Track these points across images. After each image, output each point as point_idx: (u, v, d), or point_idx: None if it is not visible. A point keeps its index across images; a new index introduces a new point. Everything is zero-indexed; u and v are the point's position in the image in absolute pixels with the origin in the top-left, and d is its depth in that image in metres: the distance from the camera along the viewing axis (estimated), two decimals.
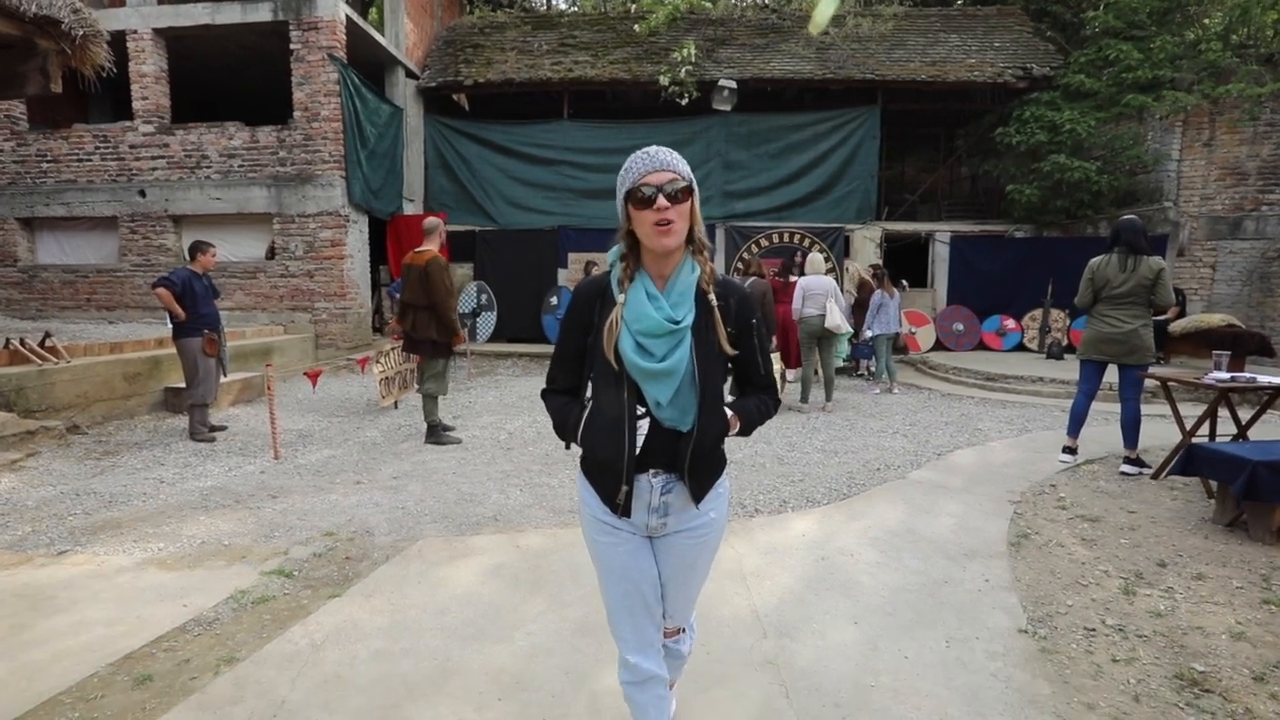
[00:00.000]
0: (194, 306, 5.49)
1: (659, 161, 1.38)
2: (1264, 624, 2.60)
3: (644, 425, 1.44)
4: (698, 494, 1.49)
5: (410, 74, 11.30)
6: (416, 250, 5.37)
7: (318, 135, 9.30)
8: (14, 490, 4.21)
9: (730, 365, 1.55)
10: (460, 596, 2.81)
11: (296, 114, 9.34)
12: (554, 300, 11.11)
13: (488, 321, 11.26)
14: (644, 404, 1.43)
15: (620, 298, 1.43)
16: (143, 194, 9.71)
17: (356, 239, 9.76)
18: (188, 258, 5.79)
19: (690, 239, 1.44)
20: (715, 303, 1.45)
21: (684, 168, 1.41)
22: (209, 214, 9.68)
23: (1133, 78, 9.58)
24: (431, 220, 5.50)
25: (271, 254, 9.73)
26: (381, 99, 10.45)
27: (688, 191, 1.39)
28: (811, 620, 2.63)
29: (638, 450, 1.44)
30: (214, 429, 5.72)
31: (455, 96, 12.73)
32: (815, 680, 2.23)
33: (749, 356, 1.52)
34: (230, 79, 11.48)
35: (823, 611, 2.71)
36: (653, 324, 1.39)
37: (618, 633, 1.57)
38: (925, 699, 2.14)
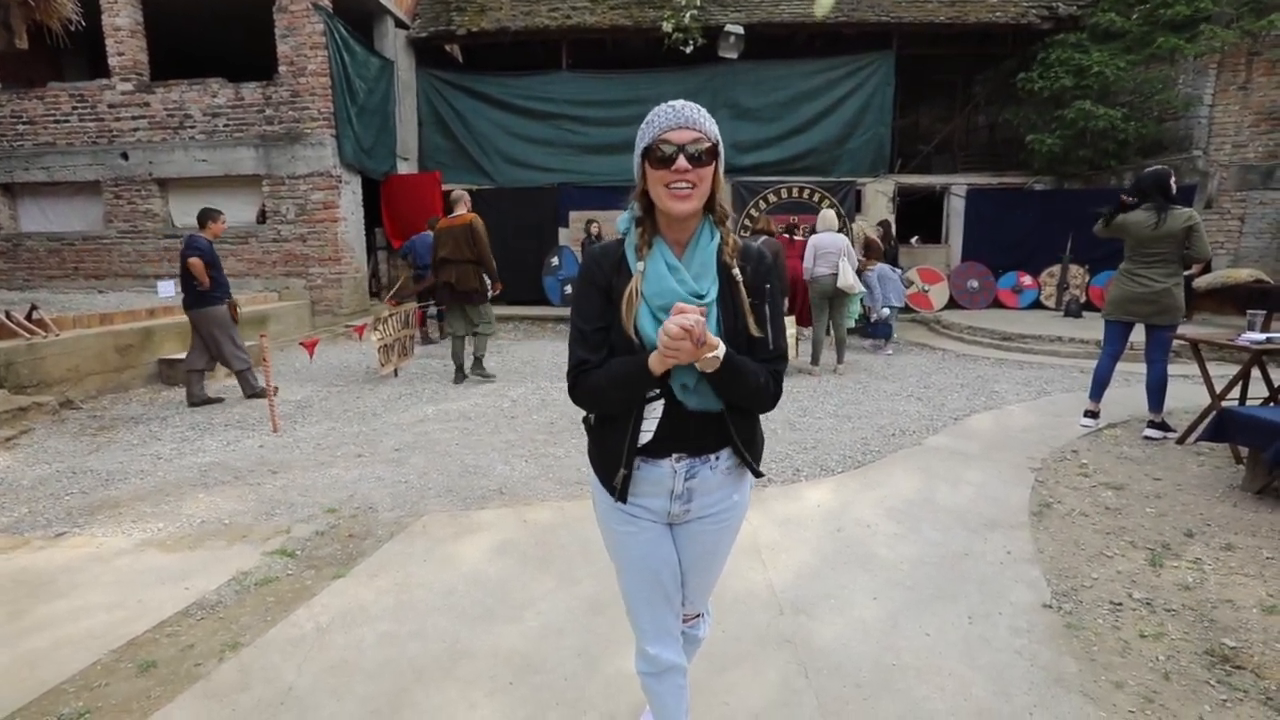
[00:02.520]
0: (217, 274, 5.62)
1: (683, 117, 1.24)
2: None
3: (657, 408, 1.32)
4: (758, 460, 1.44)
5: (400, 24, 10.76)
6: (450, 216, 6.27)
7: (305, 91, 8.89)
8: (9, 469, 4.12)
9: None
10: (467, 575, 2.75)
11: (282, 69, 8.92)
12: (554, 261, 10.83)
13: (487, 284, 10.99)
14: (657, 384, 1.30)
15: (639, 267, 1.30)
16: (125, 157, 9.36)
17: (350, 200, 9.44)
18: (198, 225, 5.80)
19: (711, 206, 1.32)
20: (739, 276, 1.32)
21: (711, 127, 1.27)
22: (195, 176, 9.35)
23: (1169, 15, 8.99)
24: (458, 192, 6.44)
25: (262, 218, 9.44)
26: (371, 51, 9.97)
27: (712, 153, 1.26)
28: (830, 596, 2.57)
29: (651, 435, 1.33)
30: (210, 400, 5.72)
31: (448, 47, 12.18)
32: (835, 659, 2.18)
33: (761, 325, 1.35)
34: (211, 32, 10.97)
35: (841, 586, 2.64)
36: (675, 297, 1.25)
37: (637, 623, 1.50)
38: (948, 678, 2.08)
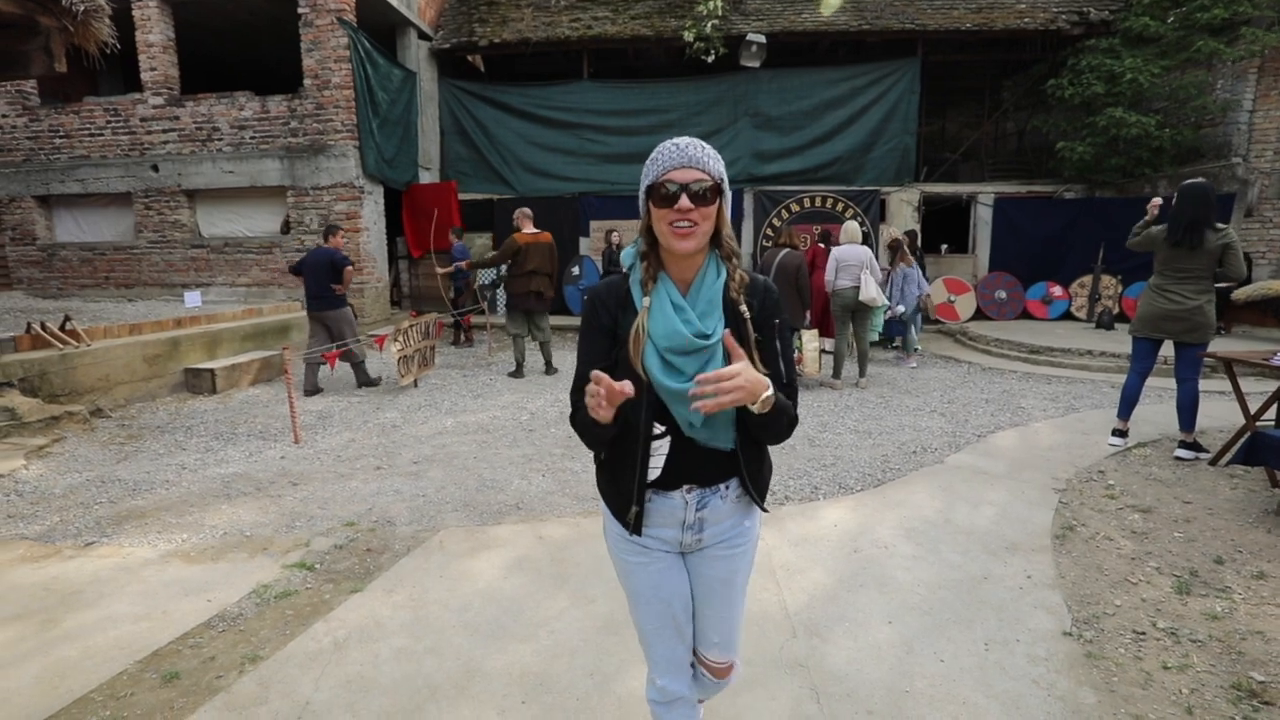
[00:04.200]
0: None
1: (687, 157, 1.25)
2: None
3: (664, 445, 1.33)
4: (763, 495, 1.44)
5: (423, 35, 10.89)
6: (530, 231, 6.91)
7: (329, 104, 9.03)
8: (42, 478, 4.21)
9: None
10: (483, 591, 2.75)
11: (307, 82, 9.07)
12: (575, 270, 10.84)
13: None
14: (664, 421, 1.32)
15: (645, 302, 1.30)
16: (155, 169, 9.59)
17: (372, 210, 9.56)
18: (324, 238, 6.73)
19: (718, 243, 1.33)
20: (747, 314, 1.31)
21: (715, 165, 1.27)
22: (222, 188, 9.54)
23: (1205, 18, 8.73)
24: (522, 209, 7.12)
25: (286, 228, 9.59)
26: (393, 63, 10.10)
27: (716, 192, 1.27)
28: (844, 619, 2.53)
29: (659, 472, 1.34)
30: (319, 390, 6.55)
31: (470, 58, 12.31)
32: (848, 685, 2.15)
33: (770, 361, 1.34)
34: (239, 47, 11.21)
35: (856, 609, 2.60)
36: (681, 340, 1.26)
37: (649, 654, 1.52)
38: (963, 707, 2.04)
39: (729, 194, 1.32)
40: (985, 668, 2.23)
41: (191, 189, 9.62)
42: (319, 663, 2.28)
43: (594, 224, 10.92)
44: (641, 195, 1.31)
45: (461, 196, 11.41)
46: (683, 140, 1.27)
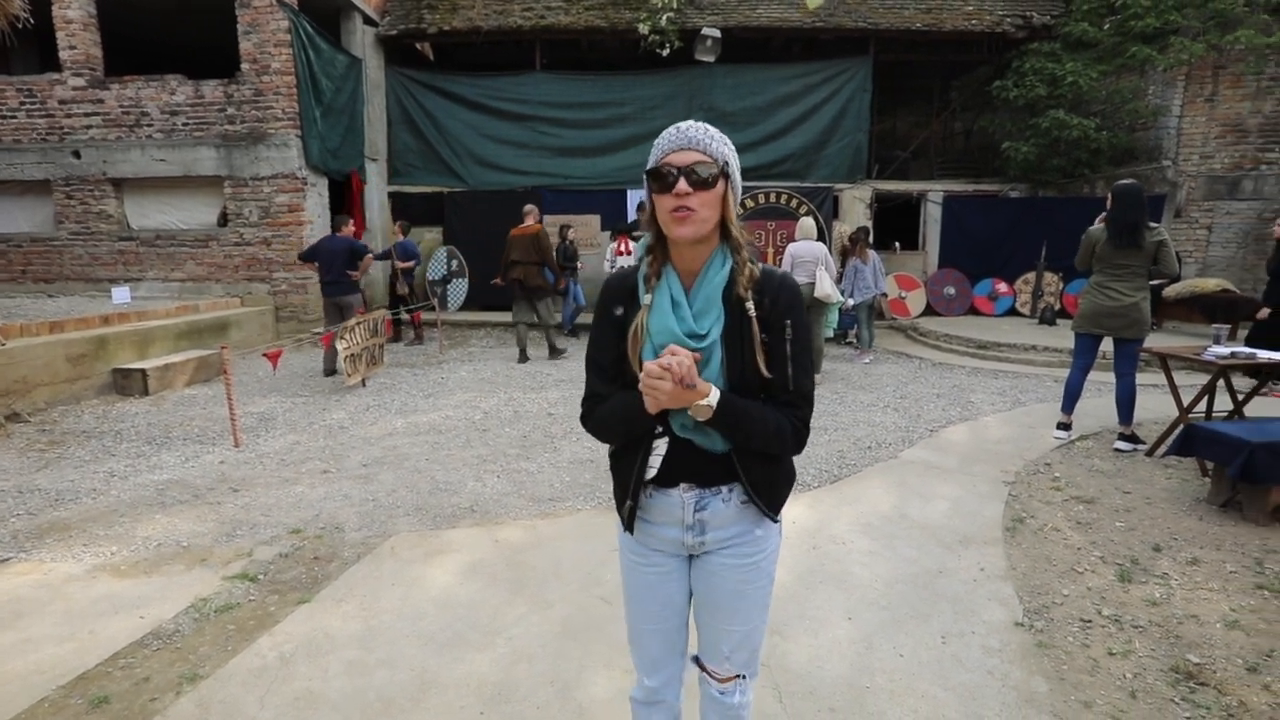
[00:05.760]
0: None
1: (686, 139, 1.20)
2: (1257, 610, 2.59)
3: (662, 444, 1.30)
4: (773, 506, 1.36)
5: (368, 20, 10.47)
6: (520, 226, 7.60)
7: (269, 90, 8.58)
8: None
9: None
10: (437, 599, 2.69)
11: (244, 66, 8.59)
12: (497, 282, 10.64)
13: (459, 289, 10.78)
14: (661, 420, 1.29)
15: (646, 299, 1.27)
16: (77, 155, 8.95)
17: (316, 203, 9.15)
18: (335, 229, 7.18)
19: (726, 233, 1.26)
20: (753, 312, 1.24)
21: (718, 148, 1.21)
22: (153, 177, 8.96)
23: (1139, 26, 9.13)
24: (528, 205, 7.87)
25: (224, 220, 9.10)
26: (337, 49, 9.68)
27: (719, 176, 1.21)
28: (805, 616, 2.56)
29: (656, 470, 1.31)
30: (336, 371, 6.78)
31: (419, 46, 11.91)
32: (809, 683, 2.17)
33: (777, 366, 1.26)
34: (170, 28, 10.57)
35: (816, 606, 2.63)
36: (672, 338, 1.22)
37: (635, 654, 1.50)
38: (922, 700, 2.10)
39: (737, 179, 1.25)
40: (943, 660, 2.29)
41: (118, 177, 9.02)
42: (264, 679, 2.19)
43: (547, 219, 10.71)
44: (646, 183, 1.26)
45: (411, 189, 11.06)
46: (685, 123, 1.22)
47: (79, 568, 2.96)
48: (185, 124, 8.82)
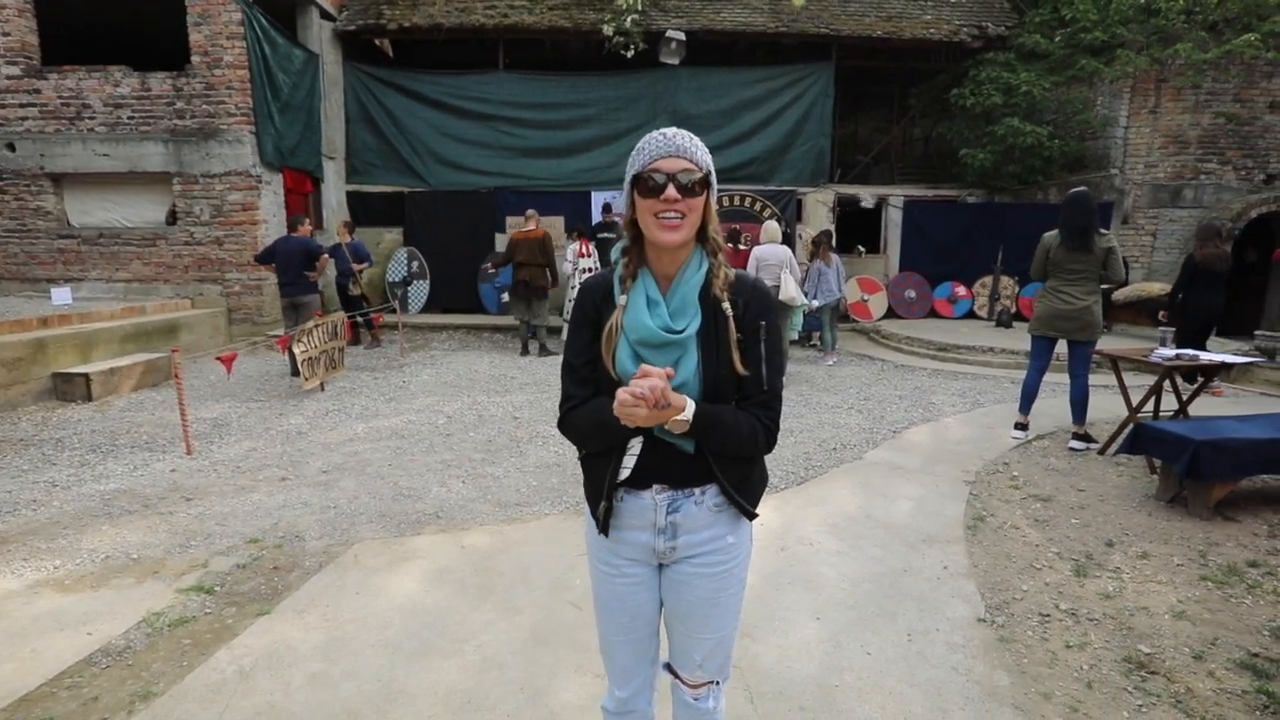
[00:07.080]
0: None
1: (674, 146, 1.22)
2: (1201, 601, 2.71)
3: (636, 444, 1.30)
4: (751, 504, 1.37)
5: (326, 15, 10.19)
6: (522, 229, 8.03)
7: (220, 84, 8.27)
8: None
9: None
10: (403, 607, 2.65)
11: (195, 59, 8.26)
12: (490, 268, 10.50)
13: (420, 291, 10.57)
14: None
15: (621, 300, 1.29)
16: (11, 148, 8.49)
17: (271, 202, 8.85)
18: (291, 228, 7.22)
19: (704, 237, 1.30)
20: (729, 311, 1.27)
21: (703, 156, 1.25)
22: (95, 172, 8.55)
23: (1087, 39, 9.47)
24: (529, 209, 8.30)
25: (173, 219, 8.73)
26: (294, 44, 9.40)
27: (704, 183, 1.24)
28: (774, 618, 2.58)
29: (630, 471, 1.31)
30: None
31: (378, 42, 11.64)
32: (779, 683, 2.19)
33: (752, 365, 1.29)
34: (113, 16, 10.11)
35: (784, 608, 2.66)
36: (648, 333, 1.25)
37: (607, 664, 1.51)
38: (889, 697, 2.14)
39: (716, 187, 1.29)
40: (909, 658, 2.33)
41: (57, 172, 8.58)
42: (222, 695, 2.12)
43: (510, 219, 10.58)
44: (626, 186, 1.27)
45: (370, 189, 10.81)
46: (669, 130, 1.25)
47: (18, 583, 2.81)
48: (130, 118, 8.43)
